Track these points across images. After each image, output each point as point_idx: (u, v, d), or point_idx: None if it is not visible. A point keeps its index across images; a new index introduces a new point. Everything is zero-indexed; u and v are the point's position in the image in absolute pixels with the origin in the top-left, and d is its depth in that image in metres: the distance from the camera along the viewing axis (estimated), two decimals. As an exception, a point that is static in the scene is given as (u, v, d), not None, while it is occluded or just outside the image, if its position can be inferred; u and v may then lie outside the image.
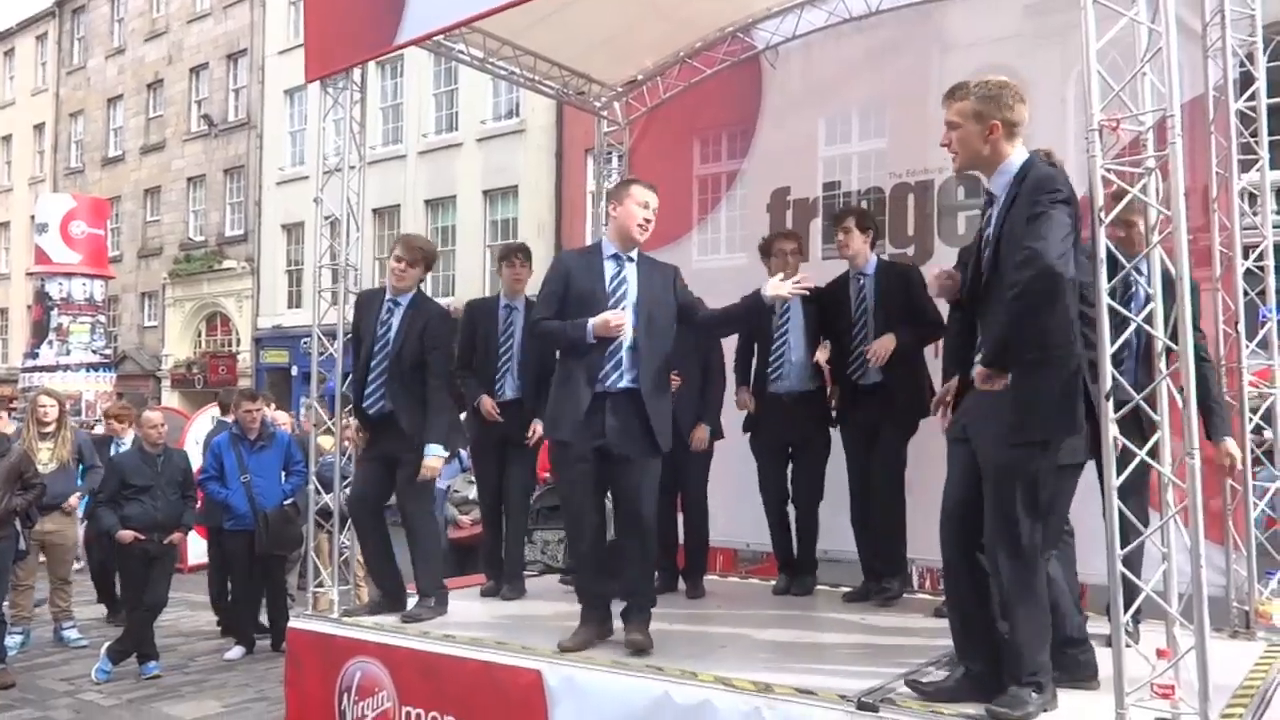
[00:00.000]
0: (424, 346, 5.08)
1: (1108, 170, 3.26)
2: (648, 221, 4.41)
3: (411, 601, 5.17)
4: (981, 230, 3.53)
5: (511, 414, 5.63)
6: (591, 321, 4.27)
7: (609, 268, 4.44)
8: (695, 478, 5.77)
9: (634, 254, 4.49)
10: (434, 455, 4.98)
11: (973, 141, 3.41)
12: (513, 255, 5.91)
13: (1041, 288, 3.12)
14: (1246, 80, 4.74)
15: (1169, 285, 3.21)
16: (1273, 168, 5.07)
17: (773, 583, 5.91)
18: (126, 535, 6.72)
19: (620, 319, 4.27)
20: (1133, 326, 3.22)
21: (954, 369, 3.68)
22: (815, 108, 6.67)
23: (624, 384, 4.32)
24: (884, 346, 5.07)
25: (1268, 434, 4.80)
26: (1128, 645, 3.12)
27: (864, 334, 5.31)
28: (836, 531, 5.66)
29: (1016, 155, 3.41)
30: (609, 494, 4.64)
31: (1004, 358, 3.24)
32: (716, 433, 5.76)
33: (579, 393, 4.32)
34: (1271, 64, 4.94)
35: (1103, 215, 3.23)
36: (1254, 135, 4.77)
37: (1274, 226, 4.92)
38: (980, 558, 3.41)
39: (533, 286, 6.03)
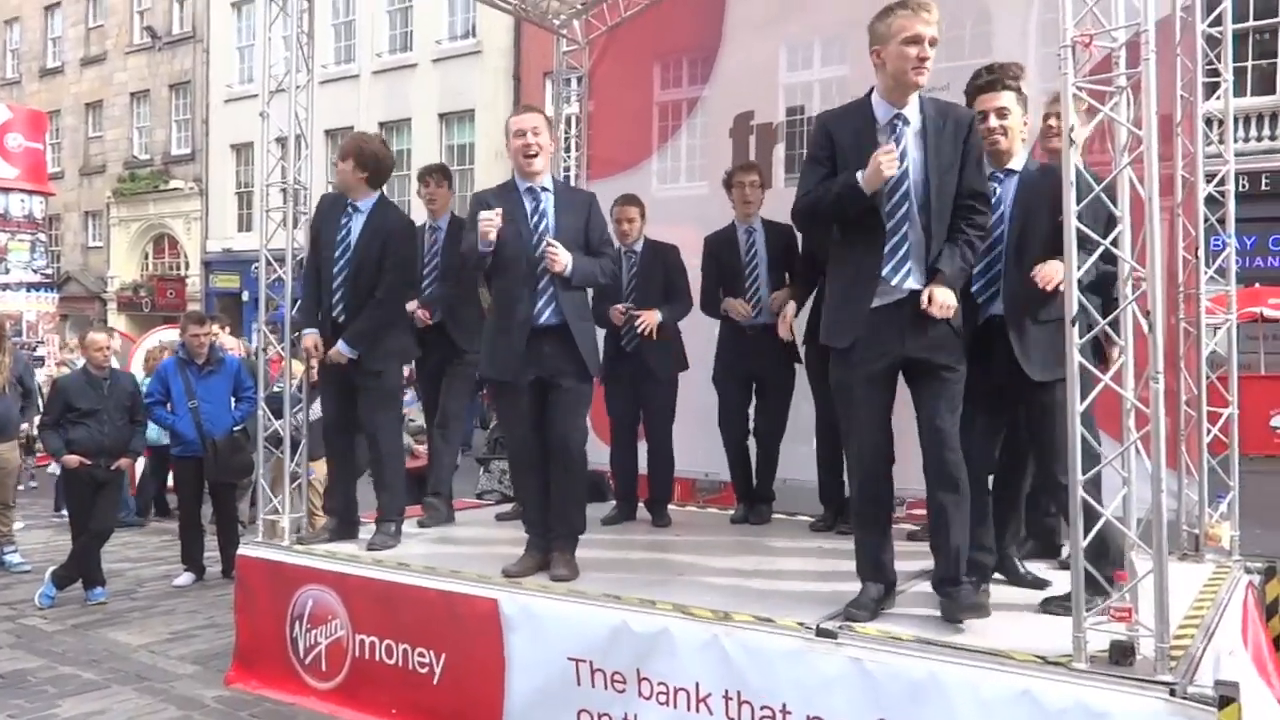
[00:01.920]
0: (384, 261, 4.93)
1: (1079, 89, 3.18)
2: (527, 146, 4.37)
3: (366, 530, 5.10)
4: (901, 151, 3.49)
5: (438, 336, 5.50)
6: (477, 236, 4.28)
7: (527, 202, 4.42)
8: (660, 407, 5.73)
9: (548, 183, 4.45)
10: (338, 349, 4.89)
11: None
12: (426, 176, 5.81)
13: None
14: (1214, 3, 4.67)
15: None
16: (1236, 94, 5.01)
17: (730, 512, 5.92)
18: (72, 460, 6.54)
19: (490, 216, 4.22)
20: (1100, 249, 3.16)
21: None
22: (778, 30, 6.51)
23: (555, 320, 4.35)
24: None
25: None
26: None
27: None
28: (797, 460, 5.66)
29: None
30: None
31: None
32: (680, 363, 5.74)
33: (513, 332, 4.35)
34: (1239, -11, 4.87)
35: (1073, 135, 3.15)
36: (1219, 60, 4.71)
37: (1236, 154, 4.88)
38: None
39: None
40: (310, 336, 5.02)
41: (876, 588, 3.60)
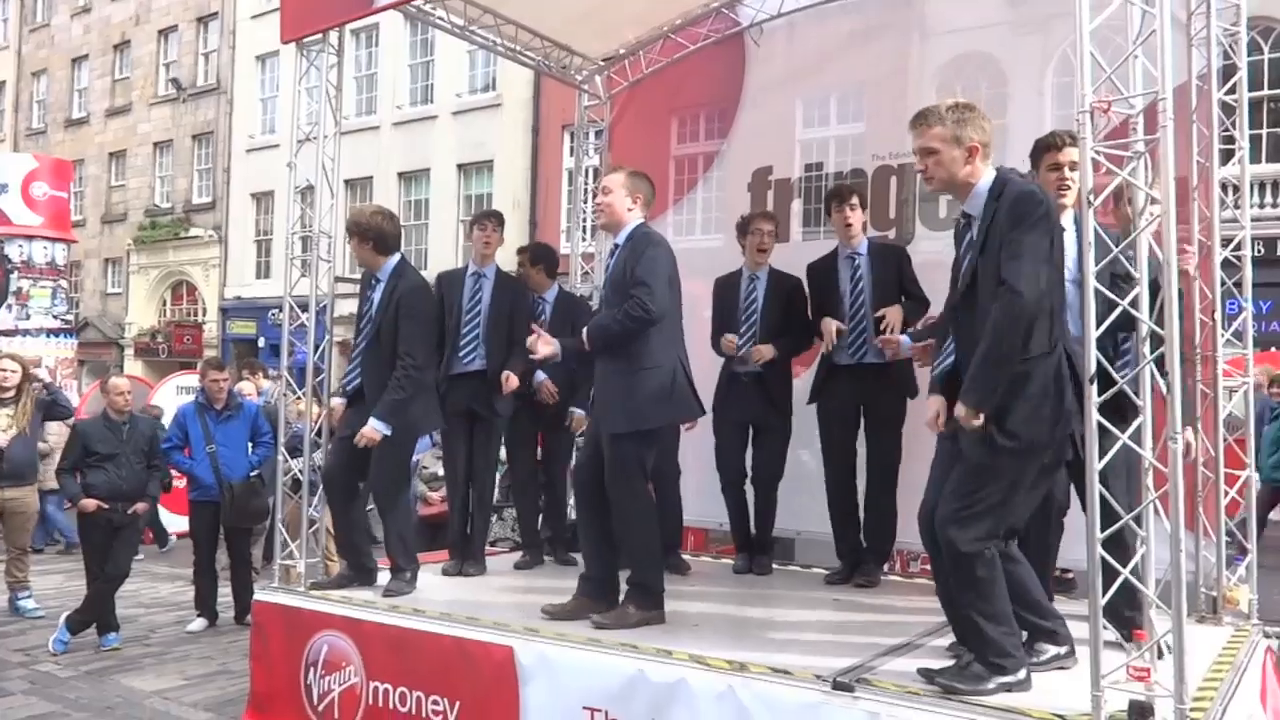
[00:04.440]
0: (398, 325, 4.99)
1: (1097, 153, 3.24)
2: (598, 205, 4.57)
3: (381, 576, 5.12)
4: (963, 253, 3.52)
5: (477, 386, 5.54)
6: None
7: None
8: (664, 452, 5.73)
9: (621, 238, 4.49)
10: (372, 426, 4.90)
11: (954, 166, 3.44)
12: (484, 219, 5.80)
13: (1021, 327, 3.21)
14: (1229, 72, 4.75)
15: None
16: (1252, 160, 5.07)
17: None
18: (89, 504, 6.58)
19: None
20: (1118, 310, 3.20)
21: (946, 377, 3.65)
22: (796, 88, 6.64)
23: (601, 363, 4.46)
24: (896, 315, 5.07)
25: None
26: (1104, 628, 3.12)
27: (862, 313, 5.28)
28: (813, 513, 5.66)
29: (988, 174, 3.47)
30: None
31: (987, 400, 3.26)
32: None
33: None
34: (1253, 57, 4.95)
35: (1092, 198, 3.21)
36: (1234, 126, 4.78)
37: (1251, 220, 4.93)
38: None
39: (503, 259, 5.97)
40: (337, 403, 5.31)
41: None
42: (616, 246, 4.50)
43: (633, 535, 4.36)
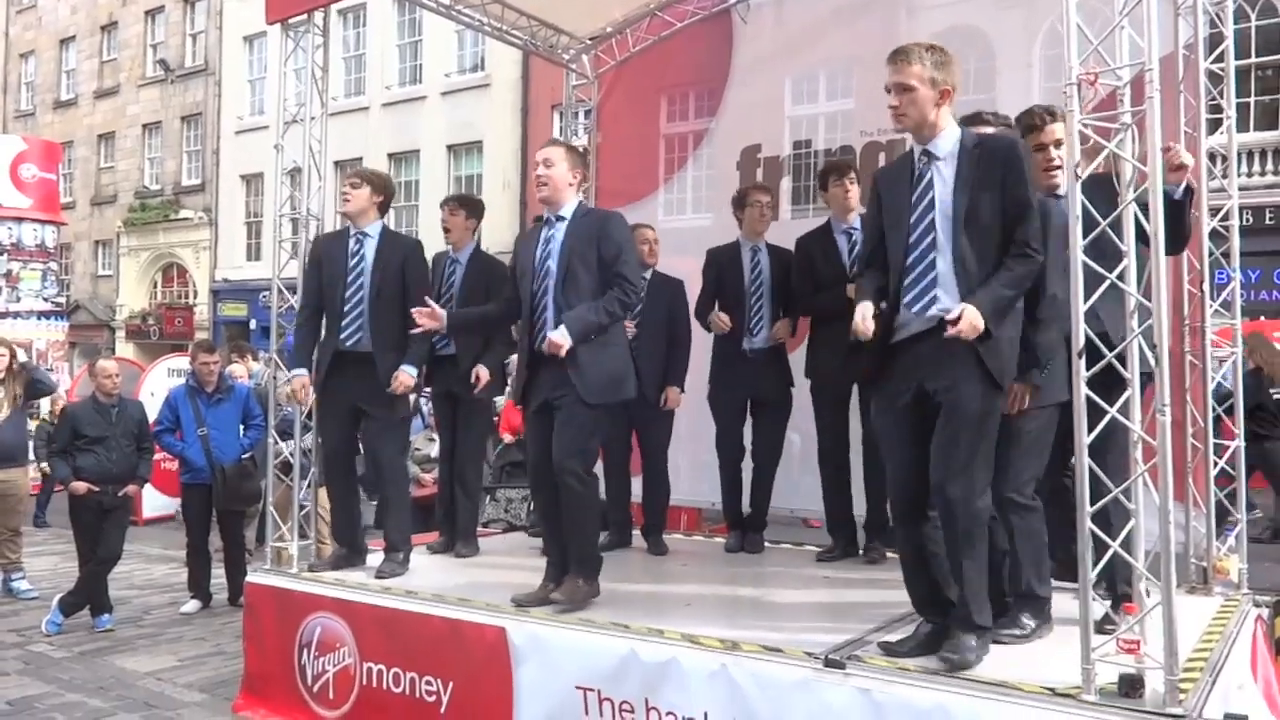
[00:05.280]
0: (406, 283, 5.01)
1: (1084, 125, 3.23)
2: (538, 179, 4.46)
3: (373, 558, 5.12)
4: (920, 191, 3.48)
5: (451, 370, 5.48)
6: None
7: (543, 232, 4.48)
8: (656, 434, 5.74)
9: (566, 212, 4.42)
10: (405, 372, 4.95)
11: (926, 106, 3.44)
12: (445, 203, 5.75)
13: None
14: (1216, 40, 4.72)
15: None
16: (1239, 130, 5.05)
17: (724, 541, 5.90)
18: (79, 487, 6.59)
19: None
20: (1106, 283, 3.19)
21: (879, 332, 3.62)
22: (784, 65, 6.60)
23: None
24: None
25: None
26: (1094, 600, 3.14)
27: None
28: (804, 490, 5.66)
29: (952, 121, 3.51)
30: None
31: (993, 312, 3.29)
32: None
33: (522, 355, 4.50)
34: (1240, 25, 4.92)
35: (1079, 171, 3.20)
36: (1222, 96, 4.76)
37: (1239, 189, 4.92)
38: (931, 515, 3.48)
39: (495, 240, 5.93)
40: (299, 379, 5.10)
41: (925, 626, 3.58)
42: (558, 219, 4.40)
43: (578, 512, 4.28)
